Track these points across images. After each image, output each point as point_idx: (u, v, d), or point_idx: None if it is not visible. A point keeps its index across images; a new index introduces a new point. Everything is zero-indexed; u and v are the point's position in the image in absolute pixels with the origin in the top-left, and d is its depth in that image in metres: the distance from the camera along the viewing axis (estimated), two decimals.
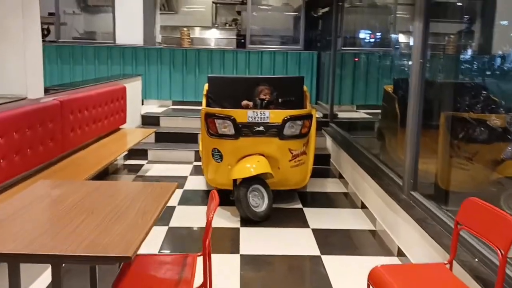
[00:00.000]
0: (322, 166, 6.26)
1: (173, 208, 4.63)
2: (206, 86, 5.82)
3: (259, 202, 4.37)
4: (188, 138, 6.67)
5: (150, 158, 6.47)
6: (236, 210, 4.40)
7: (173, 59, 8.19)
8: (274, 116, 4.41)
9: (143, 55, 8.13)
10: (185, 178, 5.67)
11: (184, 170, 6.01)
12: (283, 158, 4.51)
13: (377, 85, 7.36)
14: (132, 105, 6.59)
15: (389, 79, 6.50)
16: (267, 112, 4.40)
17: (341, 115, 7.32)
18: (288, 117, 4.42)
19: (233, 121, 4.38)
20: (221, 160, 4.52)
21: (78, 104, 4.64)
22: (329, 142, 6.62)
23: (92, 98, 4.99)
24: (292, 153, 4.52)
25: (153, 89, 8.25)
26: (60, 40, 8.39)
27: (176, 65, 8.19)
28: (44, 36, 9.85)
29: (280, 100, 4.71)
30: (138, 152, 6.44)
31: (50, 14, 8.52)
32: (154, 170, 6.01)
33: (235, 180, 4.38)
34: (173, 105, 8.27)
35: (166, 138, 6.75)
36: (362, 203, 4.75)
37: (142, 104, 8.16)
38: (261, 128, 4.37)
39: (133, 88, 6.78)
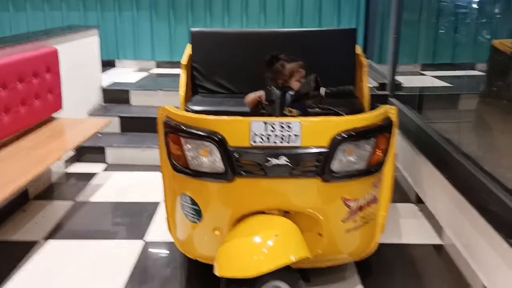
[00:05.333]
0: None
1: None
2: (188, 48, 3.48)
3: None
4: None
5: (110, 161, 4.16)
6: None
7: (156, 0, 5.69)
8: (312, 131, 1.98)
9: None
10: (154, 207, 3.35)
11: (157, 186, 3.68)
12: (330, 217, 2.11)
13: (460, 34, 4.82)
14: (81, 77, 4.22)
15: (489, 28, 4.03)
16: (296, 123, 1.96)
17: (405, 82, 4.80)
18: (343, 134, 1.99)
19: (221, 143, 1.97)
20: (198, 220, 2.17)
21: None
22: None
23: None
24: (349, 207, 2.12)
25: (128, 45, 5.81)
26: None
27: (160, 9, 5.70)
28: None
29: (323, 91, 2.25)
30: (92, 151, 4.14)
31: None
32: (108, 186, 3.70)
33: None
34: (157, 67, 5.85)
35: (137, 126, 4.41)
36: (483, 286, 2.38)
37: (113, 66, 5.81)
38: (283, 159, 1.96)
39: (82, 49, 4.36)
